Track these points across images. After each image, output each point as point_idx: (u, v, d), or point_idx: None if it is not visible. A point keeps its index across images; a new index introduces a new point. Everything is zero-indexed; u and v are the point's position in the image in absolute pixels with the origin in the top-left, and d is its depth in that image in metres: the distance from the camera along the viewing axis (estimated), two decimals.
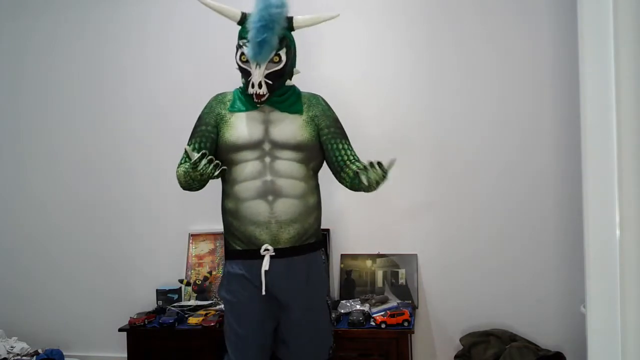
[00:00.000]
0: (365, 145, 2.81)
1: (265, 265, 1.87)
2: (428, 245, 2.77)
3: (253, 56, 1.86)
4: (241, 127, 1.94)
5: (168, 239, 3.05)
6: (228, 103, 2.01)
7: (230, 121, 1.96)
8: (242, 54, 1.89)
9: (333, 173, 2.04)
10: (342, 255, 2.85)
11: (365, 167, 1.78)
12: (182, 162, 1.99)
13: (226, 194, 1.97)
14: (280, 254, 1.89)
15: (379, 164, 1.76)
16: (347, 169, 1.96)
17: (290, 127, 1.95)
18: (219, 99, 2.04)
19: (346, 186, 2.00)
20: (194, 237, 3.00)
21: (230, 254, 1.99)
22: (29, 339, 3.08)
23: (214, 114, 2.00)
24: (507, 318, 2.67)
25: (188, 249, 3.00)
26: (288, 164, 1.91)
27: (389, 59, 2.81)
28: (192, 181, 1.87)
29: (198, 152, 1.81)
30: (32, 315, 3.25)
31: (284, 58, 1.90)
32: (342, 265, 2.84)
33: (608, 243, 1.45)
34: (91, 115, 3.18)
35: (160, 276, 3.02)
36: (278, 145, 1.92)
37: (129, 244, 3.13)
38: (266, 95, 1.90)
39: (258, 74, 1.87)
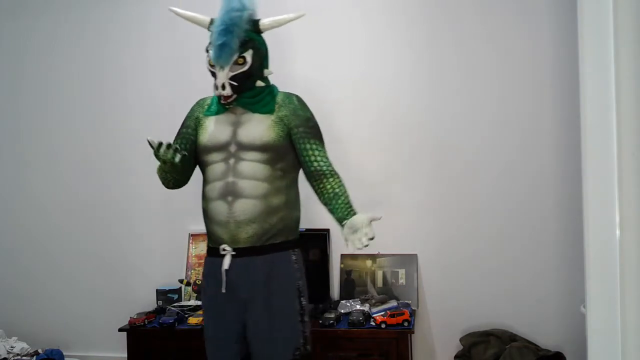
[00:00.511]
0: (365, 145, 2.84)
1: (225, 264, 1.92)
2: (428, 245, 2.77)
3: (214, 59, 1.92)
4: (212, 129, 2.01)
5: (168, 239, 3.05)
6: (206, 107, 2.09)
7: (205, 124, 2.04)
8: (209, 58, 1.96)
9: (304, 174, 2.03)
10: (342, 255, 2.85)
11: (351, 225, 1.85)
12: None
13: (202, 194, 2.04)
14: (240, 253, 1.93)
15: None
16: (322, 183, 1.97)
17: (257, 129, 1.96)
18: (199, 103, 2.13)
19: (317, 196, 2.02)
20: (194, 237, 3.00)
21: (208, 251, 2.09)
22: (29, 339, 3.08)
23: (193, 117, 2.08)
24: (507, 318, 2.67)
25: (188, 249, 3.00)
26: (251, 165, 1.93)
27: (388, 59, 2.81)
28: (163, 173, 2.04)
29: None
30: (32, 315, 3.25)
31: (249, 60, 1.94)
32: (342, 265, 2.84)
33: (608, 243, 1.45)
34: (91, 115, 3.18)
35: (160, 276, 3.02)
36: (243, 147, 1.95)
37: (129, 244, 3.13)
38: (233, 96, 1.94)
39: (221, 76, 1.92)
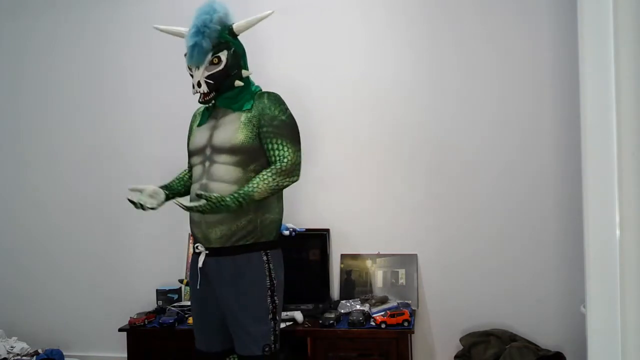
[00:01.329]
0: (365, 145, 2.84)
1: (200, 262, 2.05)
2: (428, 245, 2.77)
3: (188, 59, 2.04)
4: (196, 135, 2.16)
5: (168, 238, 3.05)
6: (197, 115, 2.25)
7: (193, 130, 2.21)
8: (187, 65, 2.08)
9: None
10: (342, 255, 2.85)
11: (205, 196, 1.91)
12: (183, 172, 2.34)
13: None
14: (212, 252, 2.04)
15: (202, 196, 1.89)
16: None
17: (227, 131, 2.04)
18: (195, 112, 2.29)
19: None
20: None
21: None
22: (29, 339, 3.09)
23: (190, 129, 2.26)
24: (507, 318, 2.67)
25: (188, 249, 3.00)
26: (223, 168, 2.01)
27: (388, 59, 2.81)
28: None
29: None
30: (32, 315, 3.25)
31: (224, 59, 2.03)
32: (342, 265, 2.84)
33: (608, 243, 1.45)
34: (91, 115, 3.18)
35: (160, 276, 3.02)
36: (216, 150, 2.04)
37: (129, 244, 3.13)
38: (211, 94, 2.05)
39: (197, 75, 2.04)
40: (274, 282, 2.06)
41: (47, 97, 3.24)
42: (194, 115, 2.28)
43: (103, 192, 3.17)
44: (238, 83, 2.08)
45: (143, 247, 3.11)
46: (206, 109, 2.17)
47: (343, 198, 2.83)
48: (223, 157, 2.02)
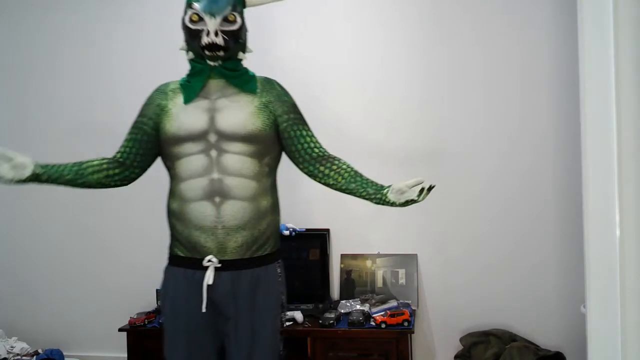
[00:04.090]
0: (364, 145, 2.83)
1: (209, 278, 1.67)
2: (428, 245, 2.77)
3: (207, 6, 1.70)
4: (182, 116, 1.74)
5: (168, 238, 3.04)
6: (170, 93, 1.80)
7: (172, 112, 1.76)
8: (194, 13, 1.71)
9: (295, 163, 1.83)
10: (342, 255, 2.85)
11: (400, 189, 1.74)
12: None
13: (171, 193, 1.79)
14: (225, 266, 1.69)
15: (426, 188, 1.73)
16: (335, 165, 1.80)
17: (239, 115, 1.72)
18: (160, 89, 1.84)
19: (314, 179, 1.83)
20: None
21: (172, 260, 1.82)
22: (29, 339, 3.08)
23: (153, 105, 1.80)
24: (507, 318, 2.67)
25: None
26: (238, 159, 1.70)
27: (387, 58, 2.81)
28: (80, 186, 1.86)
29: (129, 144, 1.83)
30: (32, 315, 3.25)
31: (239, 20, 1.74)
32: (342, 265, 2.84)
33: (608, 243, 1.45)
34: (91, 115, 3.18)
35: (160, 276, 3.00)
36: (225, 136, 1.70)
37: (129, 244, 3.13)
38: (222, 51, 1.70)
39: (213, 24, 1.69)
40: (284, 297, 1.83)
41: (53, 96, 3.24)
42: (163, 93, 1.81)
43: (103, 192, 3.14)
44: (242, 55, 1.80)
45: (143, 246, 3.10)
46: (186, 85, 1.79)
47: (343, 198, 2.82)
48: (236, 146, 1.70)
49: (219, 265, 1.69)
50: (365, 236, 2.82)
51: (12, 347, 2.96)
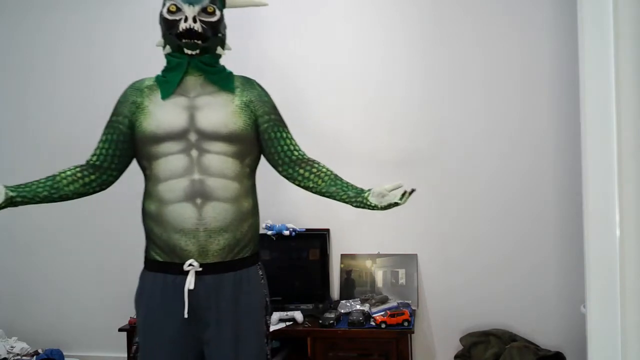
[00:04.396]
0: (364, 145, 2.84)
1: (190, 283, 1.62)
2: (428, 245, 2.77)
3: None
4: (160, 114, 1.68)
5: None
6: (146, 90, 1.74)
7: (148, 109, 1.71)
8: (172, 4, 1.68)
9: (273, 165, 1.80)
10: (342, 255, 2.85)
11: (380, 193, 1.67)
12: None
13: (147, 194, 1.73)
14: (206, 269, 1.64)
15: (408, 192, 1.64)
16: (314, 168, 1.77)
17: (220, 114, 1.68)
18: (135, 86, 1.78)
19: (293, 182, 1.81)
20: None
21: (148, 265, 1.75)
22: (29, 339, 3.08)
23: (128, 103, 1.74)
24: (507, 318, 2.67)
25: None
26: (219, 159, 1.66)
27: (388, 59, 2.81)
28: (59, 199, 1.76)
29: (105, 145, 1.75)
30: (32, 315, 3.25)
31: (218, 13, 1.72)
32: (342, 265, 2.84)
33: (608, 243, 1.45)
34: (92, 115, 3.17)
35: None
36: (206, 136, 1.66)
37: (129, 244, 3.12)
38: (200, 39, 1.67)
39: (192, 11, 1.66)
40: (268, 299, 1.79)
41: (52, 98, 3.24)
42: (138, 90, 1.75)
43: (103, 192, 3.15)
44: (220, 51, 1.76)
45: (143, 246, 3.10)
46: (162, 80, 1.74)
47: None
48: (217, 146, 1.66)
49: (200, 269, 1.64)
50: (365, 236, 2.82)
51: (12, 347, 2.96)
